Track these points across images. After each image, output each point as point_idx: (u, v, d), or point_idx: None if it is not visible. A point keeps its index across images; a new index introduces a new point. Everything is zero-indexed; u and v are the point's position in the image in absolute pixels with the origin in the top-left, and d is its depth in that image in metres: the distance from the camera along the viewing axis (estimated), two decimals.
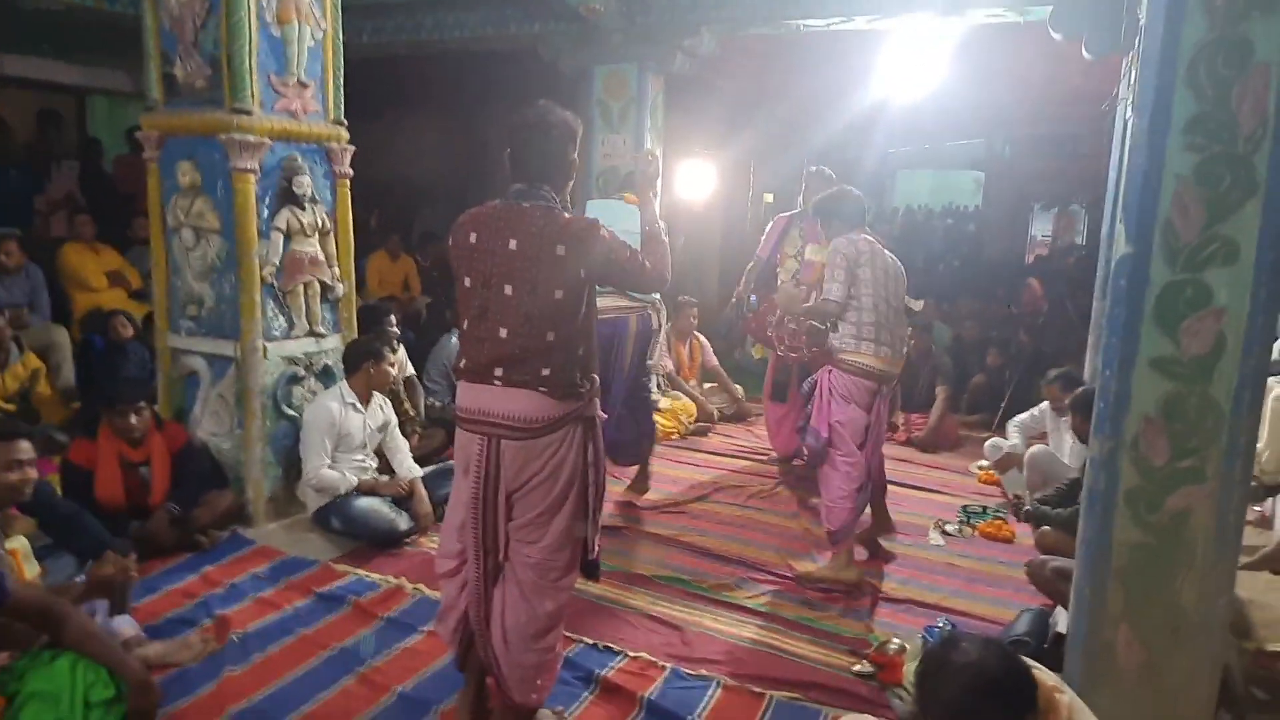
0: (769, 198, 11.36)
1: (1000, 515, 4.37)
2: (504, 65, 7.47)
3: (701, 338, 6.60)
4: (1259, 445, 3.23)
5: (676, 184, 8.26)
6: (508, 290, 2.27)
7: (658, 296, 4.11)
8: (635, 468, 4.56)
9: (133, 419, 3.53)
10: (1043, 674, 1.68)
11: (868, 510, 4.00)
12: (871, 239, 3.76)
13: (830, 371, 3.70)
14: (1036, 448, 4.46)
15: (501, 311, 2.28)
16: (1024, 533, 4.13)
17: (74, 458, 3.57)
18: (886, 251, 3.76)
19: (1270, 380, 3.37)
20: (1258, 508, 4.16)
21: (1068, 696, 1.66)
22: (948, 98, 7.97)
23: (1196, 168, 2.16)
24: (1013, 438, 4.94)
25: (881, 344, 3.62)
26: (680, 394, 6.22)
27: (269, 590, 3.35)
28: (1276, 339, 3.83)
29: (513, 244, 2.26)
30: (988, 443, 5.10)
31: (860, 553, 3.86)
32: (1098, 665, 2.44)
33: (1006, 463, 4.79)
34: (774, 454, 5.35)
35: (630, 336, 4.10)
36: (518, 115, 2.35)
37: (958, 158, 14.39)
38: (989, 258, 13.18)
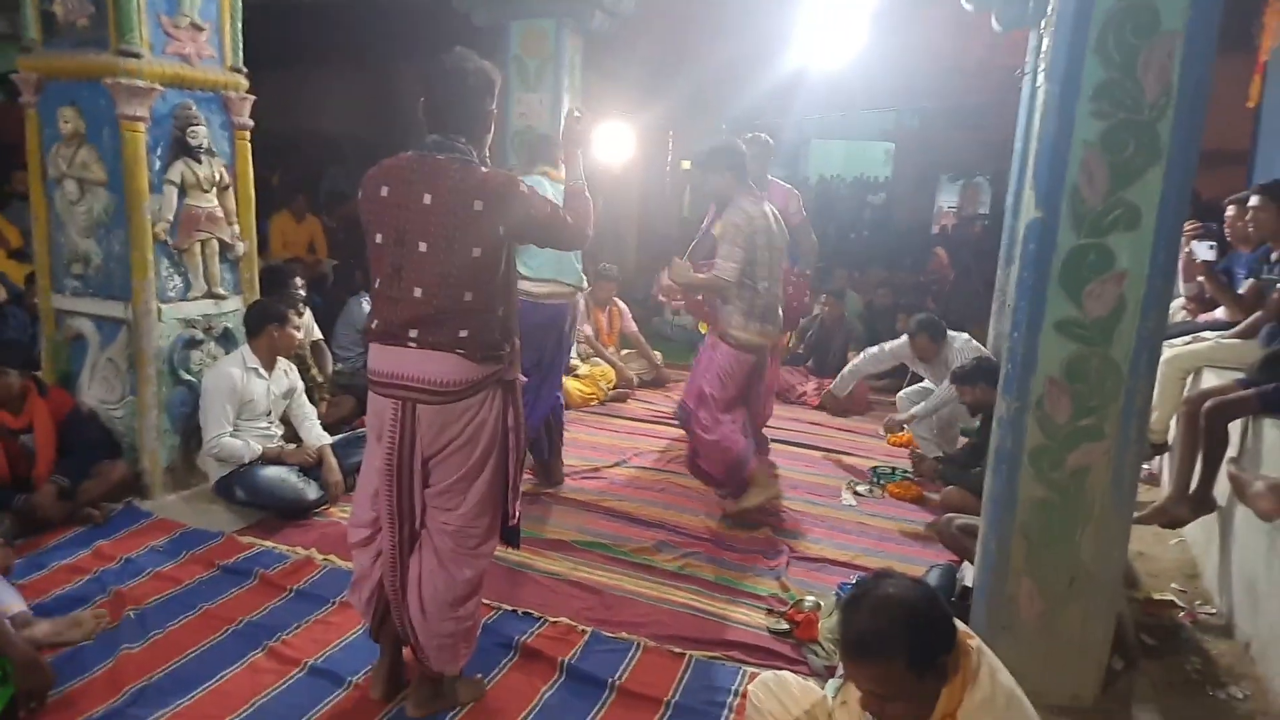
0: (686, 164, 11.34)
1: (908, 476, 4.50)
2: (416, 17, 7.21)
3: (621, 304, 6.56)
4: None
5: (594, 146, 8.14)
6: (422, 247, 2.18)
7: (585, 283, 4.10)
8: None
9: None
10: (957, 623, 1.73)
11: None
12: (766, 206, 3.77)
13: (715, 347, 3.76)
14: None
15: (416, 270, 2.19)
16: (930, 492, 4.28)
17: None
18: (773, 215, 3.77)
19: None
20: (1146, 466, 4.41)
21: (976, 642, 1.72)
22: (861, 68, 8.05)
23: (1103, 134, 2.22)
24: (904, 407, 5.11)
25: (768, 322, 3.76)
26: (600, 360, 6.18)
27: (168, 564, 3.19)
28: (1172, 301, 4.04)
29: (427, 198, 2.17)
30: (887, 419, 5.17)
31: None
32: (1001, 616, 2.55)
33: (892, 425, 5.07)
34: None
35: (571, 322, 4.07)
36: (433, 62, 2.24)
37: (870, 128, 14.66)
38: (898, 227, 13.53)
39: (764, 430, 4.79)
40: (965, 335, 4.95)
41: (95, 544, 3.29)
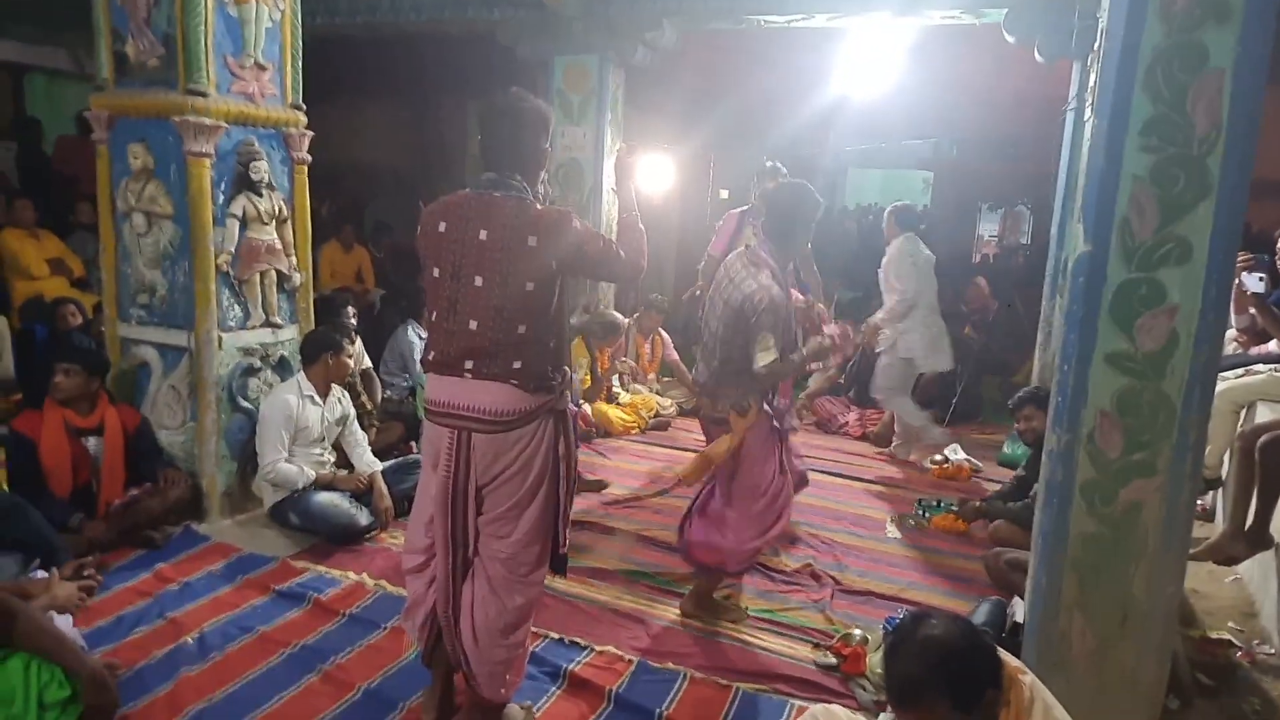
0: (725, 193, 11.42)
1: (954, 509, 4.46)
2: (462, 52, 7.37)
3: (663, 333, 6.63)
4: None
5: (636, 178, 8.25)
6: (478, 282, 2.24)
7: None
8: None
9: (60, 379, 3.46)
10: (1007, 656, 1.73)
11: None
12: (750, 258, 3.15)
13: None
14: None
15: (472, 304, 2.25)
16: (976, 526, 4.23)
17: (18, 426, 3.49)
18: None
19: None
20: (1200, 501, 4.33)
21: (1030, 678, 1.72)
22: (900, 97, 8.11)
23: (1152, 169, 2.23)
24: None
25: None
26: (641, 389, 6.22)
27: (225, 588, 3.27)
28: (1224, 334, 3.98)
29: (483, 234, 2.24)
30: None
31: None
32: (1051, 653, 2.51)
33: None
34: None
35: None
36: (489, 102, 2.32)
37: (907, 157, 14.65)
38: (937, 256, 13.44)
39: (804, 461, 4.56)
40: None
41: (156, 566, 3.38)
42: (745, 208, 5.19)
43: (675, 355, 6.66)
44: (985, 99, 9.60)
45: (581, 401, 5.57)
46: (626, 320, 6.12)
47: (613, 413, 5.82)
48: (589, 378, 5.81)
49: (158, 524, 3.62)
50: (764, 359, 2.96)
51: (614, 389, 6.06)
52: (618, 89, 6.25)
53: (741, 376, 3.07)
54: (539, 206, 2.29)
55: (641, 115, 8.15)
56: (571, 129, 6.20)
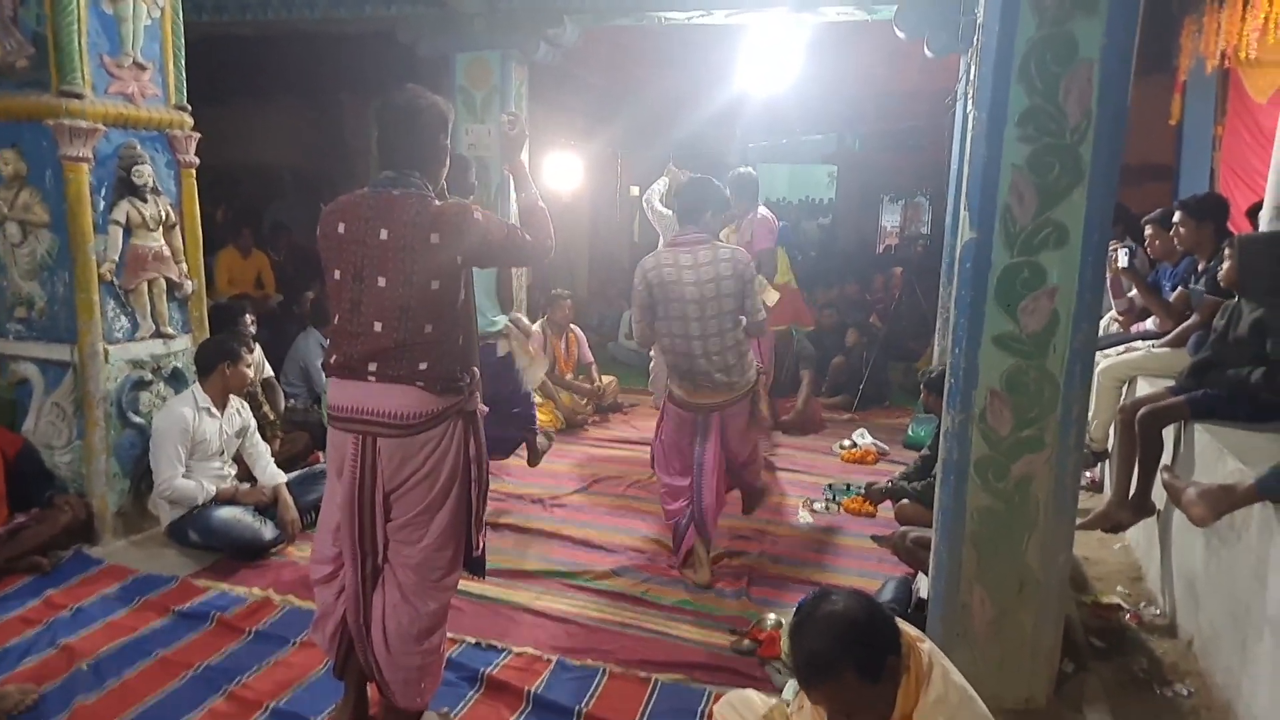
0: (635, 190, 11.47)
1: (863, 492, 4.59)
2: (362, 50, 7.20)
3: (577, 330, 6.59)
4: (1088, 415, 3.53)
5: (544, 175, 8.21)
6: (381, 282, 2.20)
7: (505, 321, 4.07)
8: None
9: None
10: (905, 626, 1.80)
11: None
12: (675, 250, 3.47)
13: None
14: None
15: (376, 305, 2.21)
16: (884, 506, 4.36)
17: None
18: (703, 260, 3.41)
19: (1097, 355, 3.70)
20: (1088, 473, 4.56)
21: (928, 645, 1.79)
22: (802, 93, 8.27)
23: (1030, 158, 2.34)
24: None
25: (684, 379, 3.53)
26: (560, 388, 6.19)
27: (121, 611, 3.12)
28: (1102, 316, 4.22)
29: (384, 234, 2.19)
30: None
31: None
32: (955, 625, 2.62)
33: None
34: None
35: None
36: (385, 100, 2.28)
37: (812, 152, 14.95)
38: (843, 248, 13.81)
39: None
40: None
41: (45, 593, 3.21)
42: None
43: (590, 356, 6.64)
44: (883, 93, 9.91)
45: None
46: (535, 329, 6.08)
47: None
48: None
49: (46, 550, 3.42)
50: (770, 297, 3.20)
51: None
52: (521, 85, 6.20)
53: (743, 348, 3.51)
54: (438, 203, 2.26)
55: (548, 113, 8.11)
56: (476, 126, 6.12)
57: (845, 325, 7.33)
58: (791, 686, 2.02)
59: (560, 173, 9.24)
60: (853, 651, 1.64)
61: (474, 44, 5.96)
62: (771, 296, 3.50)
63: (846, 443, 5.57)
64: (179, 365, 3.89)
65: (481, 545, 2.47)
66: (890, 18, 5.24)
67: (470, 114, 6.10)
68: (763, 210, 5.38)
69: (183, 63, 3.80)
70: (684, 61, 7.80)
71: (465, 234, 2.22)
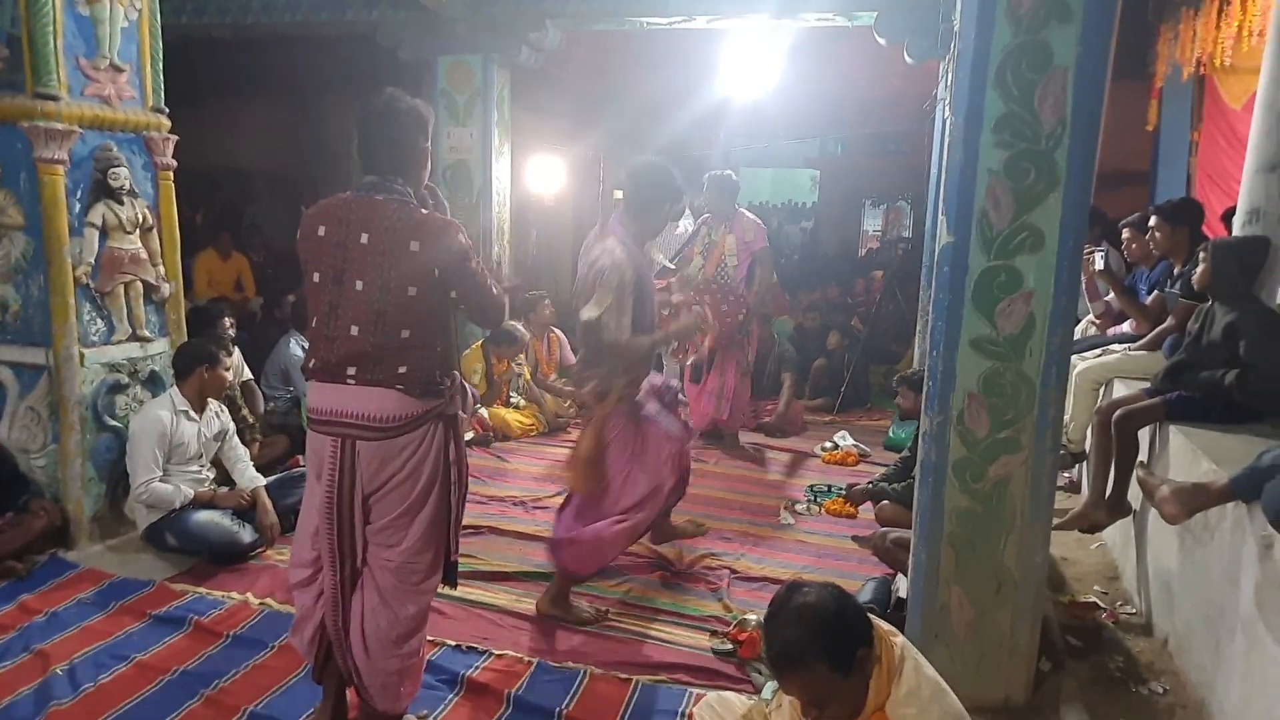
0: (618, 194, 11.48)
1: (844, 493, 4.62)
2: (342, 52, 7.19)
3: (559, 332, 6.59)
4: (1065, 417, 3.56)
5: (527, 179, 8.20)
6: (359, 286, 2.19)
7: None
8: None
9: None
10: (878, 621, 1.82)
11: None
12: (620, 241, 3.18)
13: None
14: None
15: (353, 308, 2.20)
16: (865, 507, 4.39)
17: None
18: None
19: (1073, 358, 3.74)
20: (1066, 474, 4.61)
21: (900, 639, 1.80)
22: (785, 97, 8.33)
23: (1006, 163, 2.36)
24: None
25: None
26: (543, 390, 6.18)
27: (97, 616, 3.09)
28: (1078, 319, 4.27)
29: (365, 238, 2.19)
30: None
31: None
32: (934, 625, 2.64)
33: None
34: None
35: None
36: (365, 104, 2.27)
37: (795, 156, 15.03)
38: (825, 252, 13.89)
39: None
40: None
41: (20, 598, 3.17)
42: (703, 216, 5.53)
43: (572, 357, 6.63)
44: (865, 98, 9.97)
45: (479, 406, 5.52)
46: (527, 334, 6.08)
47: (510, 416, 5.77)
48: (484, 384, 5.76)
49: (21, 555, 3.39)
50: (587, 312, 3.00)
51: (511, 396, 6.02)
52: (504, 89, 6.20)
53: (602, 358, 3.10)
54: (423, 211, 2.26)
55: (531, 116, 8.11)
56: (458, 130, 6.12)
57: (827, 328, 7.37)
58: (770, 686, 2.03)
59: (543, 176, 9.24)
60: (823, 642, 1.66)
61: (456, 47, 5.97)
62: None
63: (828, 444, 5.59)
64: (156, 368, 3.86)
65: (456, 551, 2.46)
66: (870, 24, 5.29)
67: (453, 117, 6.10)
68: (749, 215, 5.45)
69: (160, 65, 3.78)
70: (666, 65, 7.84)
71: (445, 248, 2.21)
